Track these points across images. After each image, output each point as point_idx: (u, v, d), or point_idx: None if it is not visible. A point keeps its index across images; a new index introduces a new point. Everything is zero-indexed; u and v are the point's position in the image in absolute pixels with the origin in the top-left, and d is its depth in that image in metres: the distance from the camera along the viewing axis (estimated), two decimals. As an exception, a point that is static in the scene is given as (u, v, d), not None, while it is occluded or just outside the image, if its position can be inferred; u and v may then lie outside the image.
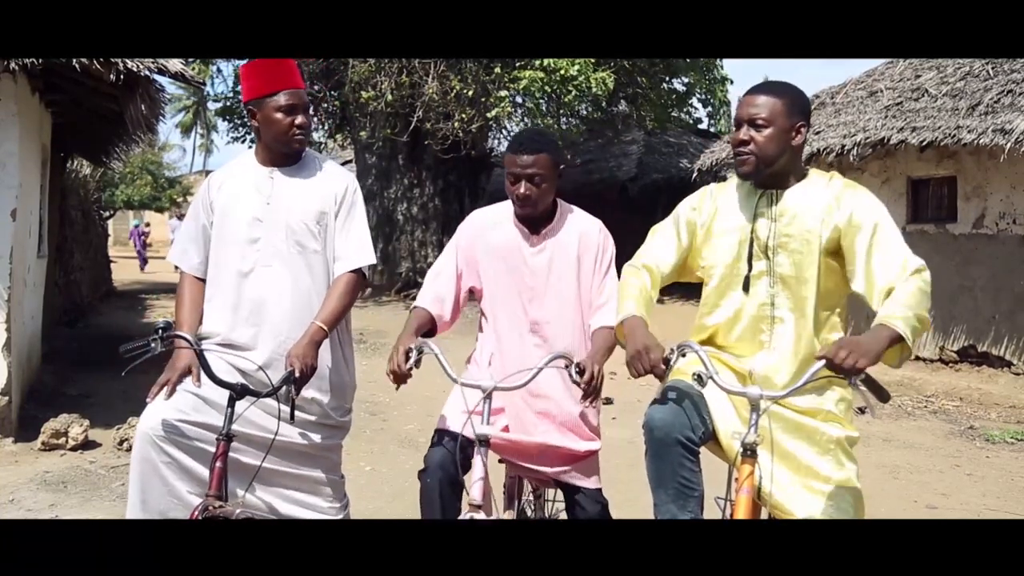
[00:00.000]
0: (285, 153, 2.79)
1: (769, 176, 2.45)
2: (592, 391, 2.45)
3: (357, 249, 2.79)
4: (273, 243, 2.74)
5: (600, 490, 2.74)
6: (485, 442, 2.36)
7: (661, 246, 2.59)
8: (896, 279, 2.25)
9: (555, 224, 2.74)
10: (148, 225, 29.10)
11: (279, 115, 2.71)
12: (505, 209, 2.80)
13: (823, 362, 2.13)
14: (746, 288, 2.46)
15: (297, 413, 2.60)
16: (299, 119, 2.74)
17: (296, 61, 2.83)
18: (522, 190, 2.64)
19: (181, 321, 2.74)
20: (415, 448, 5.45)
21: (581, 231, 2.76)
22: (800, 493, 2.33)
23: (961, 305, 8.73)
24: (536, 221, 2.73)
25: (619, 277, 2.63)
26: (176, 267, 2.92)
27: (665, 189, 16.61)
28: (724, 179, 14.09)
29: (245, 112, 2.90)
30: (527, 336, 2.71)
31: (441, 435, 2.60)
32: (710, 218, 2.54)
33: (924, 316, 2.19)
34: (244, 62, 2.86)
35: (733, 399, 2.36)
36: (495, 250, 2.75)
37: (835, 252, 2.40)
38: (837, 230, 2.38)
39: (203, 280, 2.83)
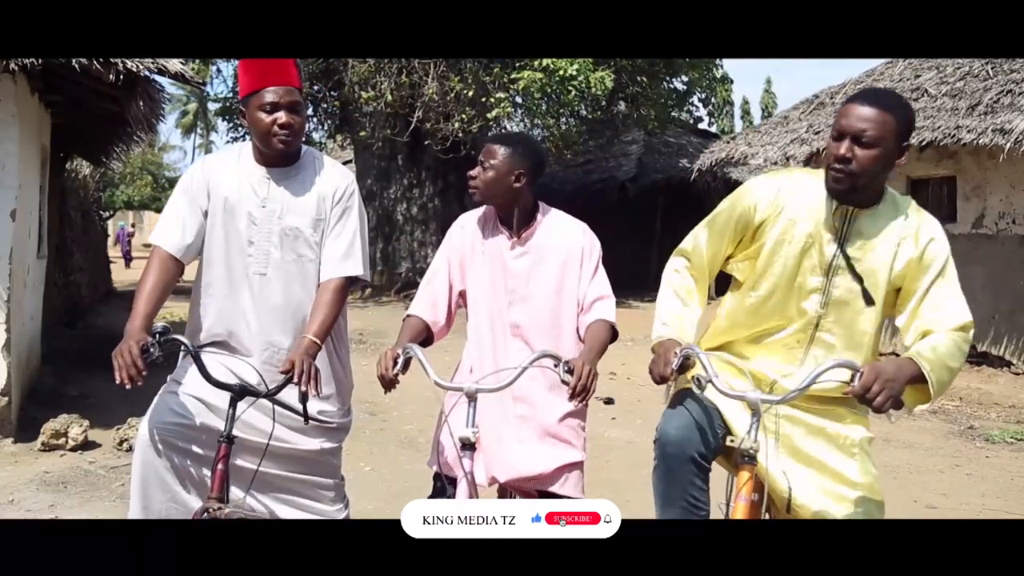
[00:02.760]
0: (272, 154, 2.64)
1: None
2: (582, 391, 2.36)
3: (345, 256, 2.67)
4: (267, 249, 2.64)
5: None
6: (470, 446, 2.25)
7: (709, 240, 2.41)
8: (938, 326, 2.18)
9: (536, 226, 2.71)
10: (134, 226, 32.98)
11: (261, 114, 2.56)
12: (490, 211, 2.77)
13: (838, 366, 2.08)
14: (802, 302, 2.31)
15: (297, 418, 2.54)
16: (281, 118, 2.55)
17: (295, 60, 2.68)
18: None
19: (138, 309, 2.47)
20: (415, 448, 5.45)
21: (564, 235, 2.72)
22: (823, 498, 2.26)
23: (961, 305, 8.72)
24: (518, 223, 2.70)
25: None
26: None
27: (665, 189, 16.62)
28: (728, 178, 14.13)
29: (238, 113, 2.79)
30: (509, 340, 2.66)
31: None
32: (771, 218, 2.32)
33: (954, 370, 2.12)
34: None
35: (747, 405, 2.26)
36: (485, 251, 2.72)
37: (897, 286, 2.27)
38: (909, 264, 2.25)
39: (179, 261, 2.61)
